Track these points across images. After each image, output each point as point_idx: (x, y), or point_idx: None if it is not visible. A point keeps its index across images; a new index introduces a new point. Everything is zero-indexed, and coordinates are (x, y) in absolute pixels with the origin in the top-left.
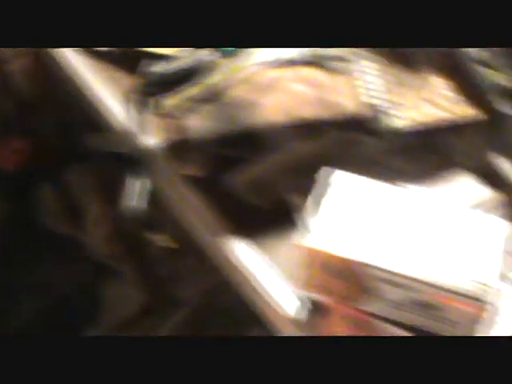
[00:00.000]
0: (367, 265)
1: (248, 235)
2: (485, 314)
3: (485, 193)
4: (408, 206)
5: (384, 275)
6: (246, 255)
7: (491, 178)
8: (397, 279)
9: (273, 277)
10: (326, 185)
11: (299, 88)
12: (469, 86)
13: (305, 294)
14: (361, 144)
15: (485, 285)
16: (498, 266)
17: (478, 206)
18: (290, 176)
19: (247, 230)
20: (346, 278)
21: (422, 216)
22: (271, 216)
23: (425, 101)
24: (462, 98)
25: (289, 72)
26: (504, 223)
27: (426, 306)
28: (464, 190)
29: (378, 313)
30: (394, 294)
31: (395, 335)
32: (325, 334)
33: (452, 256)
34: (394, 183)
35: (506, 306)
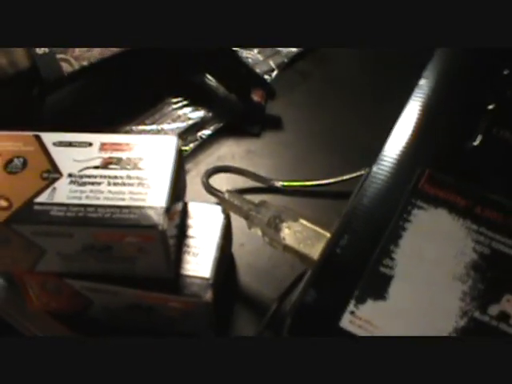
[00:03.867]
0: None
1: None
2: (159, 238)
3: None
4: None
5: (35, 229)
6: None
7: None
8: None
9: None
10: None
11: None
12: None
13: None
14: None
15: (153, 208)
16: (167, 187)
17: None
18: None
19: None
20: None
21: None
22: None
23: None
24: None
25: None
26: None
27: (104, 251)
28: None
29: (57, 269)
30: (62, 244)
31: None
32: (34, 309)
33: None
34: None
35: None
